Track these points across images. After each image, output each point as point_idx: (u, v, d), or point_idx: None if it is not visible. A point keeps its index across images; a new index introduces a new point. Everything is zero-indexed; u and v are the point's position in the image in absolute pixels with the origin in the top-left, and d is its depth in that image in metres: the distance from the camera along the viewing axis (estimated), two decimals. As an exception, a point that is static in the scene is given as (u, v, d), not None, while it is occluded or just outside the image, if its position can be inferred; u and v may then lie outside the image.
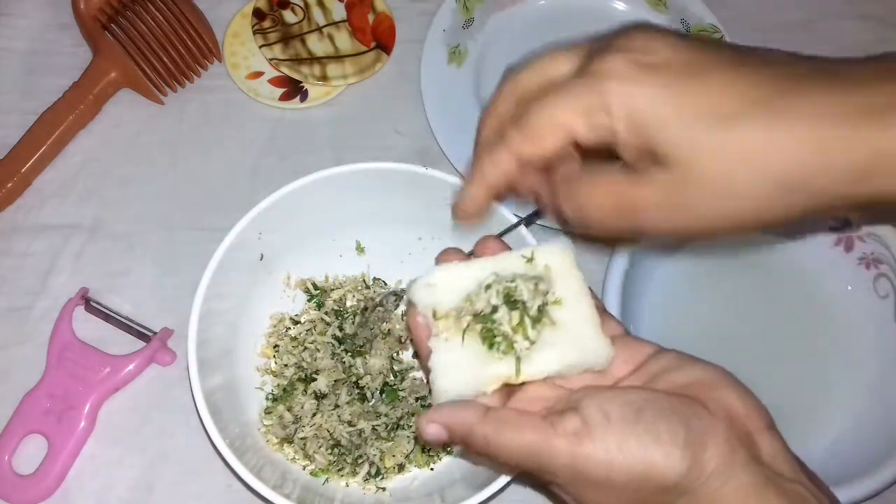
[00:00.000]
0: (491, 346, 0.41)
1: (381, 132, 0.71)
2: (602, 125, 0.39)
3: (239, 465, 0.50)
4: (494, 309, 0.41)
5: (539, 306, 0.41)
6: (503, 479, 0.50)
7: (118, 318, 0.62)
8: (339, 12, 0.75)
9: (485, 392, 0.41)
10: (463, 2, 0.75)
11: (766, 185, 0.37)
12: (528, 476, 0.42)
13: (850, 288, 0.64)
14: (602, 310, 0.43)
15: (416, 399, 0.60)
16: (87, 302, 0.62)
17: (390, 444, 0.58)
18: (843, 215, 0.62)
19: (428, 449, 0.58)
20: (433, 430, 0.40)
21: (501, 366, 0.41)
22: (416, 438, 0.58)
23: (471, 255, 0.46)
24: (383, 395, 0.59)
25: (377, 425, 0.58)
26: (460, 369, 0.41)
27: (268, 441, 0.57)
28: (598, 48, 0.41)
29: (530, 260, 0.43)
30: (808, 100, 0.37)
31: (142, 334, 0.61)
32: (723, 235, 0.42)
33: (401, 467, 0.58)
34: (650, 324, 0.62)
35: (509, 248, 0.45)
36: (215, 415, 0.51)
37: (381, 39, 0.74)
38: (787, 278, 0.65)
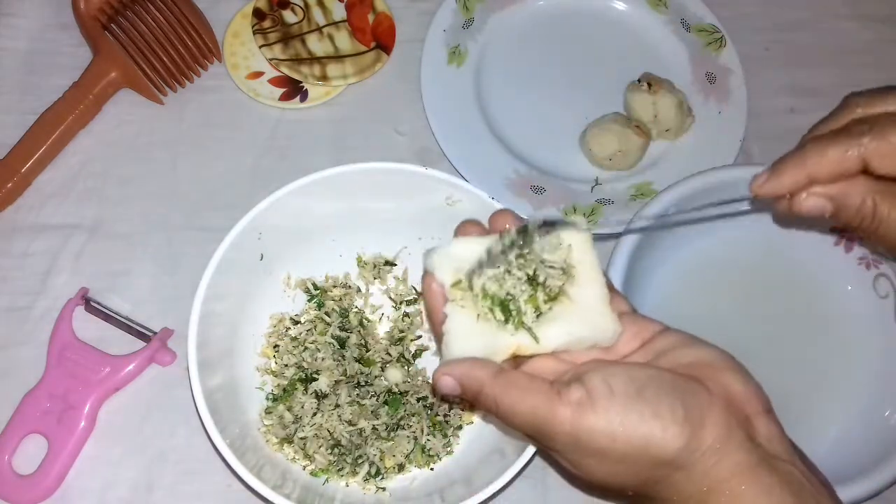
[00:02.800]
0: (507, 319, 0.42)
1: (381, 132, 0.71)
2: None
3: (239, 465, 0.50)
4: (511, 283, 0.42)
5: (558, 287, 0.42)
6: (503, 480, 0.50)
7: (118, 318, 0.62)
8: (339, 12, 0.75)
9: (495, 361, 0.42)
10: (463, 2, 0.75)
11: None
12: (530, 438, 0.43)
13: (850, 288, 0.64)
14: (610, 287, 0.45)
15: (418, 399, 0.60)
16: (87, 302, 0.62)
17: (390, 444, 0.58)
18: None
19: (428, 449, 0.58)
20: (447, 382, 0.41)
21: (513, 336, 0.42)
22: (415, 439, 0.58)
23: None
24: (387, 404, 0.59)
25: (377, 425, 0.58)
26: (473, 336, 0.42)
27: (268, 441, 0.57)
28: None
29: (555, 246, 0.43)
30: None
31: (142, 334, 0.61)
32: None
33: (401, 467, 0.58)
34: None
35: (524, 223, 0.45)
36: (215, 415, 0.51)
37: (381, 39, 0.74)
38: (787, 278, 0.65)
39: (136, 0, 0.70)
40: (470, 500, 0.50)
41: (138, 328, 0.62)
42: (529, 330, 0.42)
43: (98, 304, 0.62)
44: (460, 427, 0.60)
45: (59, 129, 0.67)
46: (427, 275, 0.44)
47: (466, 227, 0.46)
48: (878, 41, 0.79)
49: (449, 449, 0.59)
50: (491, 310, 0.42)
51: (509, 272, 0.42)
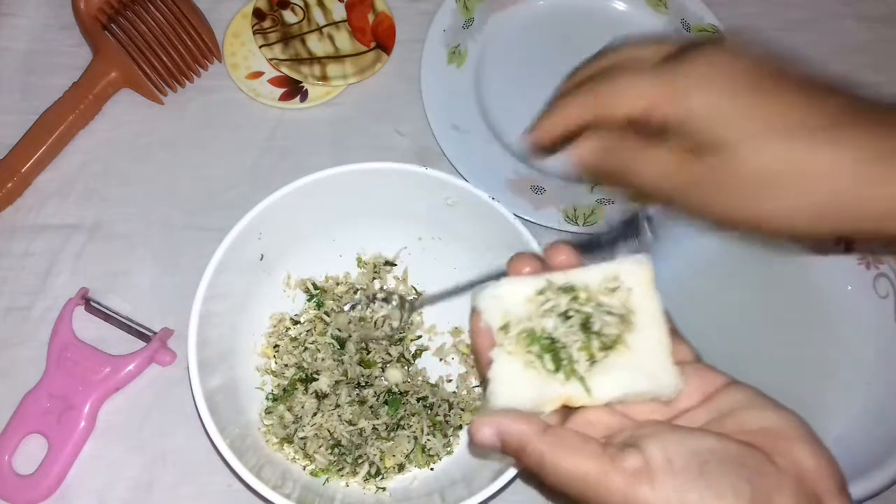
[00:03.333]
0: (557, 368, 0.39)
1: (381, 132, 0.71)
2: (676, 110, 0.43)
3: (239, 465, 0.50)
4: (563, 330, 0.39)
5: (614, 336, 0.39)
6: (503, 480, 0.50)
7: (118, 318, 0.62)
8: (339, 12, 0.75)
9: (543, 411, 0.39)
10: (463, 2, 0.75)
11: (802, 198, 0.41)
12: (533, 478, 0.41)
13: (850, 288, 0.64)
14: (673, 332, 0.41)
15: (418, 399, 0.60)
16: (87, 302, 0.62)
17: (390, 444, 0.58)
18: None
19: (428, 449, 0.58)
20: (487, 434, 0.38)
21: (564, 386, 0.39)
22: (415, 439, 0.58)
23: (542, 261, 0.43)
24: (387, 404, 0.59)
25: (377, 425, 0.58)
26: (521, 384, 0.39)
27: (268, 441, 0.57)
28: (689, 47, 0.46)
29: (613, 289, 0.40)
30: (860, 135, 0.41)
31: (142, 334, 0.61)
32: (747, 231, 0.45)
33: (401, 467, 0.58)
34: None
35: (581, 260, 0.42)
36: (215, 415, 0.51)
37: (381, 39, 0.74)
38: (786, 278, 0.65)
39: (136, 0, 0.70)
40: (470, 500, 0.50)
41: (138, 328, 0.62)
42: (582, 380, 0.39)
43: (98, 304, 0.62)
44: (460, 427, 0.60)
45: (59, 129, 0.67)
46: (475, 314, 0.41)
47: (519, 264, 0.42)
48: (878, 41, 0.79)
49: (449, 449, 0.59)
50: (539, 357, 0.39)
51: (562, 317, 0.39)
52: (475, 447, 0.42)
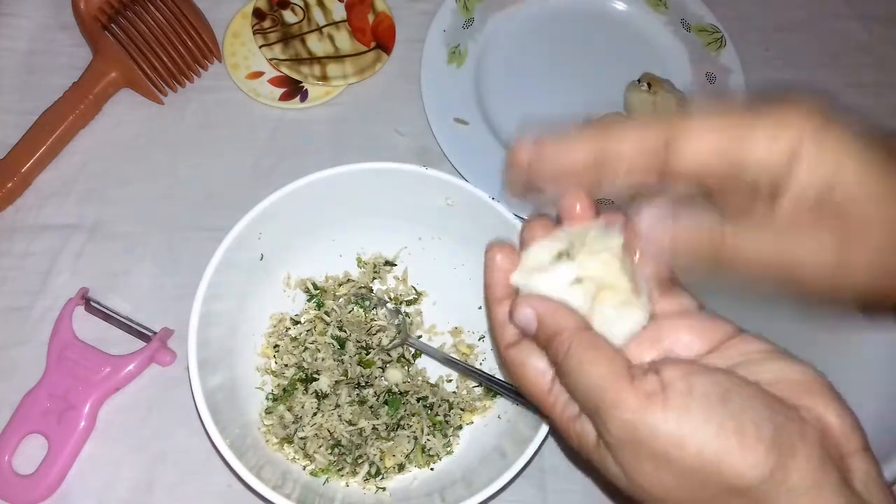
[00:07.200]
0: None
1: (381, 132, 0.71)
2: (776, 154, 0.33)
3: (239, 465, 0.50)
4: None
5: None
6: (503, 480, 0.50)
7: (118, 318, 0.62)
8: (339, 12, 0.75)
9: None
10: (463, 2, 0.75)
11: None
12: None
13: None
14: (673, 280, 0.39)
15: (418, 399, 0.60)
16: (87, 302, 0.62)
17: (390, 443, 0.58)
18: None
19: (428, 449, 0.58)
20: (526, 314, 0.37)
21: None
22: (415, 439, 0.58)
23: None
24: (387, 404, 0.59)
25: (377, 425, 0.58)
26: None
27: (268, 441, 0.57)
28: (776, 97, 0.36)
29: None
30: None
31: (142, 334, 0.61)
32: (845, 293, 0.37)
33: (401, 467, 0.58)
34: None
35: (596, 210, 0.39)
36: (215, 415, 0.51)
37: (381, 39, 0.74)
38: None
39: (136, 0, 0.70)
40: (470, 500, 0.50)
41: (138, 328, 0.62)
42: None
43: (98, 304, 0.62)
44: (460, 427, 0.60)
45: (59, 129, 0.67)
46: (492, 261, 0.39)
47: (534, 229, 0.39)
48: (878, 41, 0.79)
49: (449, 449, 0.59)
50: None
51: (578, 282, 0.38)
52: (511, 322, 0.38)
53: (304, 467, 0.57)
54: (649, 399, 0.33)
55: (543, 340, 0.37)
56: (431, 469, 0.58)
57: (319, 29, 0.74)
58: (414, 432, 0.58)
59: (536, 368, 0.38)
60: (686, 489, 0.33)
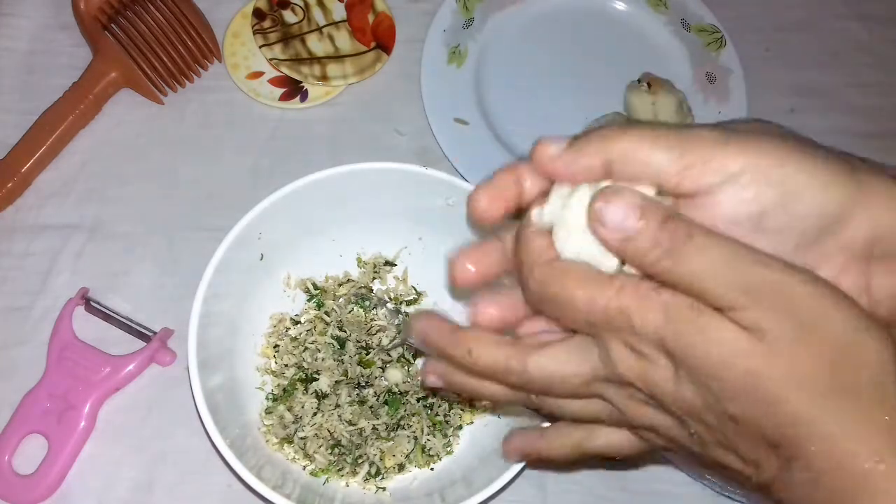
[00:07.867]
0: None
1: (381, 132, 0.71)
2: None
3: (239, 465, 0.50)
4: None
5: None
6: (503, 480, 0.50)
7: (118, 318, 0.62)
8: (339, 12, 0.75)
9: None
10: (463, 2, 0.75)
11: None
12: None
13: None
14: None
15: (418, 399, 0.60)
16: (87, 302, 0.62)
17: (390, 443, 0.58)
18: None
19: (428, 449, 0.58)
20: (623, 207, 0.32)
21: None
22: (415, 439, 0.58)
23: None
24: (387, 404, 0.59)
25: (377, 425, 0.58)
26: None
27: (268, 441, 0.57)
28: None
29: None
30: None
31: (142, 334, 0.61)
32: None
33: (401, 467, 0.58)
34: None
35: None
36: (215, 415, 0.51)
37: (381, 39, 0.74)
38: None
39: (136, 0, 0.70)
40: (470, 500, 0.50)
41: (138, 328, 0.62)
42: None
43: (98, 304, 0.62)
44: (460, 427, 0.60)
45: (59, 129, 0.67)
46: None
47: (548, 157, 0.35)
48: (878, 41, 0.79)
49: (449, 449, 0.59)
50: None
51: None
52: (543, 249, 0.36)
53: (304, 467, 0.57)
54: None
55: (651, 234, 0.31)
56: (431, 469, 0.58)
57: (319, 29, 0.74)
58: (414, 432, 0.58)
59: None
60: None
